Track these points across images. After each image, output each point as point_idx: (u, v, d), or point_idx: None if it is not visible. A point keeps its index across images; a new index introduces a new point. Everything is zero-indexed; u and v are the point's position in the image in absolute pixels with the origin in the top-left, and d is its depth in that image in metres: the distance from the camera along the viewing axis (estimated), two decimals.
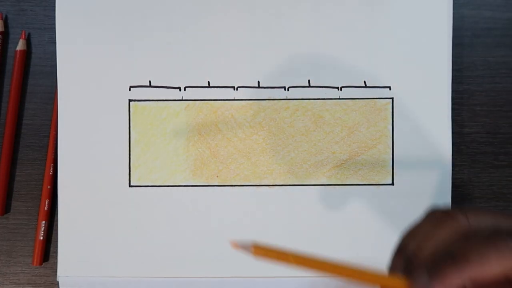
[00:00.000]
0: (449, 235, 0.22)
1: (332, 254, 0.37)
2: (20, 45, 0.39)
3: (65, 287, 0.37)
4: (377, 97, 0.37)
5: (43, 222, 0.38)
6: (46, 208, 0.38)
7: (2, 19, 0.39)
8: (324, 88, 0.37)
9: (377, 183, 0.37)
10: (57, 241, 0.37)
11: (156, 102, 0.37)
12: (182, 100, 0.37)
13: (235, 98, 0.37)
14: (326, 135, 0.37)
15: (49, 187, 0.38)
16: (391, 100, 0.37)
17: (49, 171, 0.38)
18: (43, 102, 0.39)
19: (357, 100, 0.37)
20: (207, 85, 0.37)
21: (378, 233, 0.36)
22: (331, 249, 0.36)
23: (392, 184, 0.36)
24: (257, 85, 0.37)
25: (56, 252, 0.38)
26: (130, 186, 0.37)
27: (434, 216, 0.23)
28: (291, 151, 0.37)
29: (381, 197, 0.37)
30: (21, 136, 0.39)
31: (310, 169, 0.37)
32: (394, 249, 0.24)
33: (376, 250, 0.36)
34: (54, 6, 0.38)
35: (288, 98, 0.37)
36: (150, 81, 0.37)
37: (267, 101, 0.37)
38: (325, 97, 0.37)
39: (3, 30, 0.39)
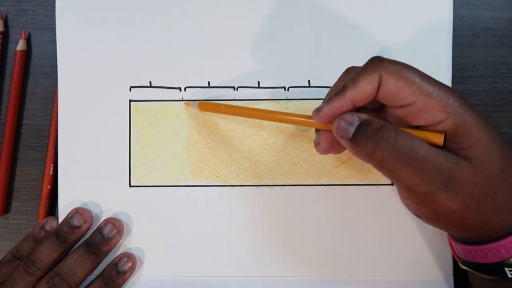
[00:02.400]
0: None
1: (332, 254, 0.37)
2: (20, 45, 0.39)
3: None
4: None
5: None
6: (46, 208, 0.38)
7: (2, 19, 0.39)
8: (324, 88, 0.37)
9: (377, 183, 0.37)
10: None
11: (156, 102, 0.37)
12: (182, 100, 0.37)
13: (235, 98, 0.37)
14: None
15: (49, 187, 0.38)
16: None
17: (49, 171, 0.38)
18: (43, 102, 0.39)
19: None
20: (207, 85, 0.37)
21: (378, 233, 0.36)
22: (331, 248, 0.36)
23: (392, 184, 0.36)
24: (257, 85, 0.37)
25: None
26: (130, 186, 0.37)
27: (348, 69, 0.32)
28: (291, 151, 0.37)
29: (381, 197, 0.37)
30: (21, 136, 0.39)
31: (310, 169, 0.37)
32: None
33: (376, 249, 0.36)
34: (54, 6, 0.38)
35: (288, 98, 0.37)
36: (150, 82, 0.37)
37: (267, 101, 0.37)
38: None
39: (3, 30, 0.39)
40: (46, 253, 0.35)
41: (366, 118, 0.28)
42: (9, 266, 0.35)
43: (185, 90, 0.37)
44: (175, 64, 0.37)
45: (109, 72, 0.37)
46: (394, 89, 0.27)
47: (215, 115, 0.37)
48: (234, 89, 0.37)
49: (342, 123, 0.28)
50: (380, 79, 0.27)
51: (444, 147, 0.27)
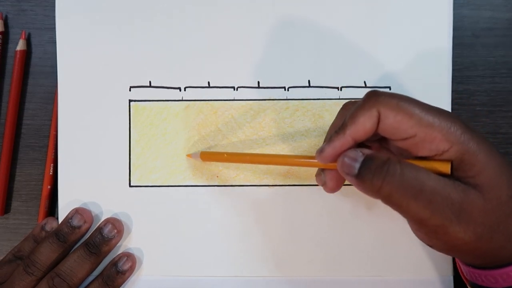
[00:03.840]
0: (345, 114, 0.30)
1: (333, 253, 0.37)
2: (20, 45, 0.39)
3: None
4: None
5: None
6: (46, 208, 0.38)
7: (2, 19, 0.39)
8: (324, 88, 0.37)
9: None
10: None
11: (156, 102, 0.37)
12: (182, 100, 0.37)
13: (235, 98, 0.37)
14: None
15: (49, 187, 0.38)
16: None
17: (49, 171, 0.38)
18: (43, 102, 0.39)
19: (357, 100, 0.37)
20: (207, 85, 0.37)
21: (378, 233, 0.36)
22: (331, 248, 0.36)
23: None
24: (257, 85, 0.37)
25: None
26: (130, 186, 0.37)
27: (345, 105, 0.32)
28: (291, 151, 0.37)
29: None
30: (21, 136, 0.39)
31: (310, 169, 0.37)
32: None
33: (376, 249, 0.36)
34: (54, 6, 0.38)
35: (288, 98, 0.37)
36: (150, 82, 0.37)
37: (267, 101, 0.37)
38: (325, 97, 0.37)
39: (3, 30, 0.39)
40: (46, 253, 0.35)
41: (370, 153, 0.27)
42: (9, 266, 0.35)
43: (185, 90, 0.37)
44: (175, 64, 0.37)
45: (109, 72, 0.37)
46: (394, 123, 0.26)
47: (215, 115, 0.37)
48: (234, 89, 0.37)
49: (346, 160, 0.27)
50: (379, 114, 0.27)
51: (451, 176, 0.26)
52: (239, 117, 0.37)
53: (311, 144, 0.37)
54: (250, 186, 0.37)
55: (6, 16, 0.40)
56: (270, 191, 0.37)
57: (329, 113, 0.37)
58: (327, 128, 0.34)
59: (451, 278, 0.36)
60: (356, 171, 0.27)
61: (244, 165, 0.37)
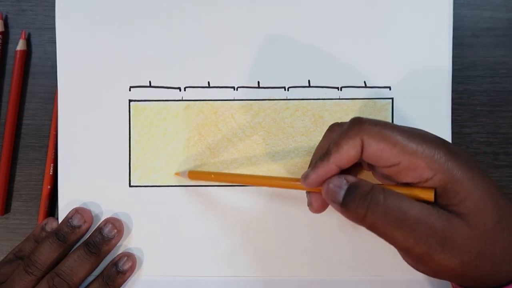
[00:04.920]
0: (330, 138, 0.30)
1: (332, 253, 0.37)
2: (20, 45, 0.39)
3: None
4: (377, 97, 0.37)
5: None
6: (46, 208, 0.38)
7: (2, 19, 0.39)
8: (324, 88, 0.37)
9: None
10: None
11: (156, 102, 0.37)
12: (182, 100, 0.37)
13: (235, 98, 0.37)
14: None
15: (49, 187, 0.38)
16: (391, 100, 0.37)
17: (49, 171, 0.38)
18: (43, 102, 0.39)
19: (357, 100, 0.37)
20: (207, 85, 0.37)
21: None
22: (331, 248, 0.36)
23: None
24: (257, 85, 0.37)
25: None
26: (130, 186, 0.37)
27: (331, 127, 0.32)
28: (291, 151, 0.37)
29: None
30: (21, 136, 0.39)
31: None
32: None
33: (376, 249, 0.36)
34: (54, 6, 0.38)
35: (288, 98, 0.37)
36: (150, 81, 0.37)
37: (267, 101, 0.37)
38: (325, 97, 0.37)
39: (3, 30, 0.39)
40: (46, 253, 0.35)
41: (354, 181, 0.27)
42: (10, 266, 0.35)
43: (185, 90, 0.37)
44: (175, 64, 0.37)
45: (109, 72, 0.37)
46: (377, 152, 0.27)
47: (215, 115, 0.37)
48: (234, 89, 0.37)
49: (331, 186, 0.28)
50: (362, 143, 0.27)
51: (435, 204, 0.27)
52: (239, 117, 0.37)
53: (311, 144, 0.37)
54: (250, 186, 0.37)
55: (6, 16, 0.40)
56: (270, 191, 0.37)
57: (329, 113, 0.37)
58: (327, 128, 0.34)
59: None
60: (340, 199, 0.27)
61: (244, 165, 0.37)
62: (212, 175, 0.35)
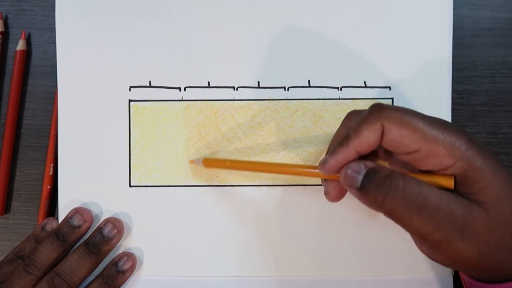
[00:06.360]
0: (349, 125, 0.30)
1: (333, 253, 0.37)
2: (20, 45, 0.39)
3: None
4: (377, 97, 0.37)
5: None
6: (46, 208, 0.38)
7: (2, 19, 0.39)
8: (324, 88, 0.37)
9: None
10: None
11: (156, 102, 0.37)
12: (182, 100, 0.37)
13: (235, 98, 0.37)
14: (326, 135, 0.37)
15: (49, 187, 0.38)
16: (391, 100, 0.37)
17: (49, 171, 0.38)
18: (43, 102, 0.39)
19: (357, 100, 0.37)
20: (207, 85, 0.37)
21: (378, 233, 0.36)
22: (331, 248, 0.36)
23: None
24: (257, 85, 0.37)
25: None
26: (130, 186, 0.37)
27: (349, 114, 0.32)
28: (291, 151, 0.37)
29: None
30: (21, 136, 0.39)
31: None
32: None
33: (376, 249, 0.36)
34: (54, 6, 0.38)
35: (288, 98, 0.37)
36: (150, 81, 0.37)
37: (267, 101, 0.37)
38: (325, 97, 0.37)
39: (3, 30, 0.39)
40: (46, 253, 0.35)
41: (373, 166, 0.27)
42: (10, 266, 0.35)
43: (185, 90, 0.37)
44: (175, 64, 0.37)
45: (108, 72, 0.37)
46: (398, 138, 0.26)
47: (215, 115, 0.37)
48: (234, 89, 0.37)
49: (349, 172, 0.27)
50: (383, 128, 0.26)
51: (455, 191, 0.26)
52: (239, 117, 0.37)
53: (311, 144, 0.37)
54: (250, 186, 0.37)
55: (6, 16, 0.40)
56: (270, 191, 0.37)
57: (329, 113, 0.37)
58: (327, 128, 0.34)
59: (451, 278, 0.36)
60: (358, 184, 0.27)
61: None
62: (228, 162, 0.34)
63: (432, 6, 0.37)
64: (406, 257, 0.36)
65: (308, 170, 0.31)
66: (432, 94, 0.37)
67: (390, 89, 0.37)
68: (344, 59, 0.37)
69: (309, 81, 0.37)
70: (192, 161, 0.37)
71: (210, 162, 0.35)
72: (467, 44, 0.38)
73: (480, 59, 0.38)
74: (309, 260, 0.36)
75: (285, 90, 0.37)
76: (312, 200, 0.37)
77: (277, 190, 0.37)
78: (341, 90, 0.37)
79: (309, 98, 0.37)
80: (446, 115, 0.37)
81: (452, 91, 0.37)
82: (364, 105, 0.37)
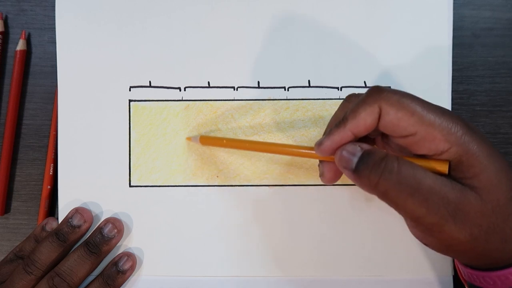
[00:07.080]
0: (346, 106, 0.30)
1: (333, 253, 0.37)
2: (20, 45, 0.39)
3: None
4: None
5: None
6: (46, 208, 0.38)
7: (2, 19, 0.39)
8: (324, 88, 0.37)
9: None
10: None
11: (156, 102, 0.37)
12: (182, 100, 0.37)
13: (235, 98, 0.37)
14: None
15: (49, 187, 0.38)
16: None
17: (49, 171, 0.38)
18: (43, 102, 0.39)
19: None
20: (207, 85, 0.37)
21: (378, 233, 0.36)
22: (331, 248, 0.36)
23: None
24: (257, 85, 0.37)
25: None
26: (130, 186, 0.37)
27: (348, 97, 0.31)
28: None
29: None
30: (21, 136, 0.39)
31: (310, 169, 0.37)
32: None
33: (376, 249, 0.36)
34: (54, 6, 0.38)
35: (288, 98, 0.37)
36: (150, 81, 0.37)
37: (267, 101, 0.37)
38: (325, 97, 0.37)
39: (3, 30, 0.39)
40: (46, 253, 0.35)
41: (368, 148, 0.27)
42: (10, 266, 0.35)
43: (185, 90, 0.37)
44: (175, 64, 0.37)
45: (108, 72, 0.37)
46: (395, 120, 0.26)
47: (215, 115, 0.37)
48: (234, 89, 0.37)
49: (344, 154, 0.27)
50: (380, 110, 0.27)
51: (449, 176, 0.26)
52: (239, 117, 0.37)
53: (311, 144, 0.37)
54: (250, 186, 0.37)
55: (6, 16, 0.40)
56: (270, 191, 0.37)
57: (329, 113, 0.37)
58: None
59: (451, 278, 0.36)
60: (353, 165, 0.27)
61: (243, 165, 0.37)
62: (224, 141, 0.34)
63: (432, 6, 0.37)
64: (406, 257, 0.36)
65: (304, 151, 0.31)
66: (432, 94, 0.37)
67: None
68: (344, 59, 0.37)
69: (309, 81, 0.37)
70: (189, 138, 0.37)
71: (207, 140, 0.36)
72: (467, 44, 0.38)
73: (480, 59, 0.38)
74: (310, 260, 0.36)
75: (285, 90, 0.37)
76: (312, 200, 0.37)
77: (278, 190, 0.37)
78: (341, 90, 0.37)
79: (309, 98, 0.37)
80: None
81: (452, 91, 0.37)
82: None
